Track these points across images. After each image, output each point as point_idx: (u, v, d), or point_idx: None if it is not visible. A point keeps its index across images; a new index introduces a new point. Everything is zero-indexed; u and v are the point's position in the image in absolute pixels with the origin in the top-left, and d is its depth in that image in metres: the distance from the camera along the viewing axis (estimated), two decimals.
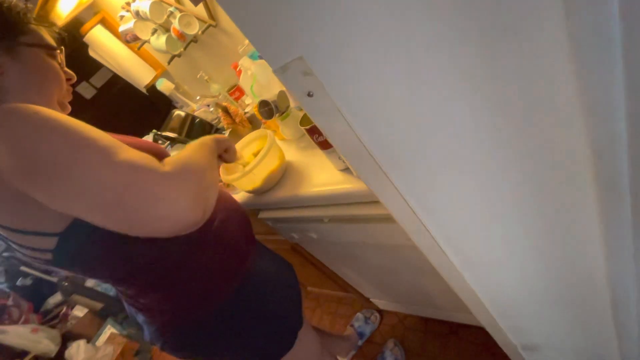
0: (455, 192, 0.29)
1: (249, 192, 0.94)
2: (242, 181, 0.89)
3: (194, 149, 0.60)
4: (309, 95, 0.22)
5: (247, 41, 1.18)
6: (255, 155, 0.92)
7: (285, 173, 0.92)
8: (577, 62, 0.16)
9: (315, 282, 1.51)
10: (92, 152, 0.45)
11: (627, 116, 0.17)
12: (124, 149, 0.48)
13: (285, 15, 0.19)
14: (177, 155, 0.56)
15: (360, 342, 1.46)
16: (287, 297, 0.81)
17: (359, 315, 1.52)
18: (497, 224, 0.30)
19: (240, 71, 1.25)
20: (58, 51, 0.62)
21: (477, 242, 0.32)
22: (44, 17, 0.57)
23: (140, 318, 0.72)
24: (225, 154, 0.74)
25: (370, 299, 1.43)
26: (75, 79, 0.67)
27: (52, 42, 0.61)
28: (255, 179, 0.88)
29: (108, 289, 2.92)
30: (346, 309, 1.61)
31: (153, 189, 0.46)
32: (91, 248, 0.54)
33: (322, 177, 0.82)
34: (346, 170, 0.78)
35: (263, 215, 0.98)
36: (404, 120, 0.23)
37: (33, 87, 0.56)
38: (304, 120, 0.76)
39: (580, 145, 0.20)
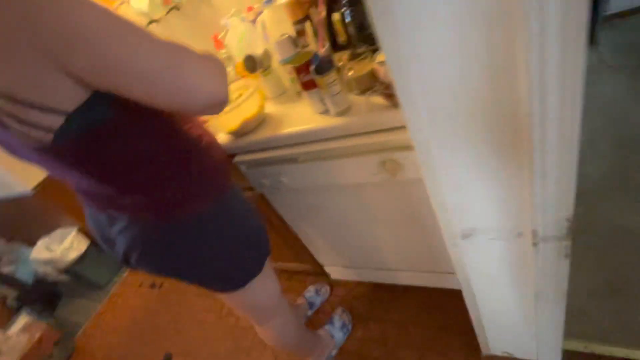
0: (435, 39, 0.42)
1: (230, 132, 1.00)
2: (223, 119, 0.96)
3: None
4: None
5: (233, 9, 1.27)
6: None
7: (263, 121, 1.01)
8: None
9: (272, 254, 1.56)
10: (140, 31, 0.50)
11: None
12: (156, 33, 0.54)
13: None
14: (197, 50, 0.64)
15: (310, 312, 1.53)
16: (257, 221, 0.87)
17: (310, 287, 1.59)
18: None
19: (220, 42, 1.33)
20: None
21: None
22: None
23: (117, 226, 0.71)
24: None
25: (324, 267, 1.51)
26: None
27: None
28: (238, 119, 0.95)
29: (25, 279, 2.60)
30: (299, 285, 1.67)
31: (199, 61, 0.54)
32: (95, 134, 0.56)
33: (302, 118, 0.92)
34: (324, 112, 0.89)
35: (239, 159, 1.04)
36: None
37: None
38: (294, 60, 0.87)
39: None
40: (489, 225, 0.64)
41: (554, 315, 0.77)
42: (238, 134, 1.00)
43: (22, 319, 2.15)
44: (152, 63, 0.50)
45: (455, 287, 1.25)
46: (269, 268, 0.92)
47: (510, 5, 0.36)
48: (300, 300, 1.55)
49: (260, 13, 1.14)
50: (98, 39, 0.48)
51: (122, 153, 0.61)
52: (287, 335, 1.09)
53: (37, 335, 1.99)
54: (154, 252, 0.72)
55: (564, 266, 0.64)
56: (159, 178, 0.67)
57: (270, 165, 1.01)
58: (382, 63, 0.79)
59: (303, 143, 0.92)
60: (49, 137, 0.53)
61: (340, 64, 0.89)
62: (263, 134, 0.96)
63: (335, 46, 1.00)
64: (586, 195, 1.33)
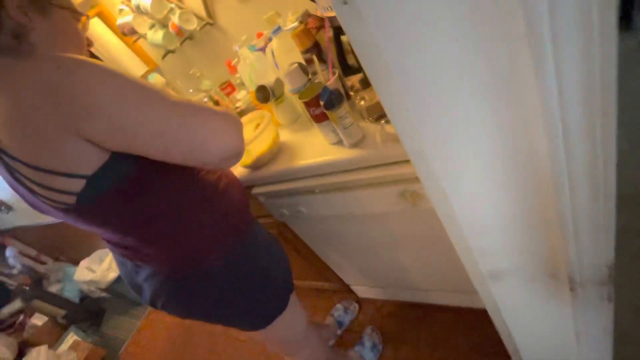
0: (456, 128, 0.39)
1: (245, 167, 1.00)
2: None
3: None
4: (345, 2, 0.31)
5: (244, 37, 1.28)
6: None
7: (279, 151, 1.00)
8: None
9: (297, 274, 1.55)
10: (154, 92, 0.53)
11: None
12: (173, 93, 0.56)
13: None
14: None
15: (339, 332, 1.51)
16: (280, 260, 0.87)
17: (338, 305, 1.58)
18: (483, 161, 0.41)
19: (234, 68, 1.34)
20: (84, 17, 0.69)
21: (458, 152, 0.43)
22: None
23: (142, 275, 0.74)
24: None
25: (351, 286, 1.49)
26: (93, 45, 0.73)
27: (77, 8, 0.68)
28: (252, 153, 0.95)
29: (72, 297, 2.77)
30: (326, 302, 1.66)
31: (214, 118, 0.55)
32: (115, 193, 0.58)
33: (315, 150, 0.91)
34: (338, 143, 0.87)
35: (256, 190, 1.05)
36: (427, 40, 0.32)
37: (58, 46, 0.62)
38: (303, 95, 0.85)
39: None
40: (518, 267, 0.59)
41: (599, 353, 0.71)
42: (254, 166, 1.00)
43: (70, 337, 2.30)
44: (167, 124, 0.52)
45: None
46: (294, 302, 0.92)
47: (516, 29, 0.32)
48: (328, 320, 1.54)
49: (270, 39, 1.14)
50: (114, 106, 0.50)
51: (143, 208, 0.63)
52: None
53: (85, 353, 2.11)
54: (178, 300, 0.74)
55: (607, 309, 0.58)
56: (179, 229, 0.68)
57: (288, 196, 1.00)
58: None
59: (319, 175, 0.91)
60: (72, 200, 0.56)
61: (352, 93, 0.87)
62: (278, 167, 0.95)
63: (346, 69, 0.98)
64: (630, 200, 1.23)
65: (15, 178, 0.58)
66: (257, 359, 1.66)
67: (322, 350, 1.10)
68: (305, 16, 1.10)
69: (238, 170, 1.05)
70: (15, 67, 0.52)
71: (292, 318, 0.91)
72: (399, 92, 0.37)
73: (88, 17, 0.70)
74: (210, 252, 0.72)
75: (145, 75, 1.67)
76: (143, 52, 1.65)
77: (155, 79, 1.59)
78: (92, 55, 0.72)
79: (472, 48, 0.33)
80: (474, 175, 0.47)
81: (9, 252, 3.04)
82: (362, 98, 0.83)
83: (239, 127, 0.61)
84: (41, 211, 0.66)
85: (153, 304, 0.76)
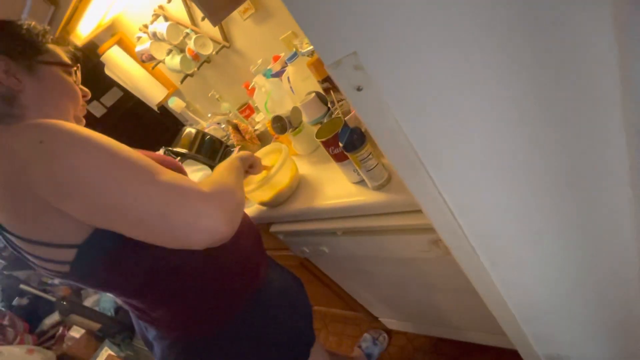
0: (489, 191, 0.30)
1: (262, 204, 0.94)
2: (256, 193, 0.90)
3: (224, 171, 0.64)
4: (359, 89, 0.24)
5: (259, 60, 1.22)
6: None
7: (298, 186, 0.93)
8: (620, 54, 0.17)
9: (322, 301, 1.49)
10: (137, 171, 0.48)
11: None
12: (163, 169, 0.51)
13: (341, 14, 0.21)
14: (211, 177, 0.60)
15: None
16: (299, 312, 0.80)
17: (367, 335, 1.49)
18: (529, 222, 0.31)
19: (252, 89, 1.29)
20: (74, 68, 0.65)
21: (510, 241, 0.33)
22: (63, 37, 0.62)
23: (151, 334, 0.71)
24: (250, 169, 0.79)
25: (379, 318, 1.40)
26: (89, 95, 0.69)
27: (68, 60, 0.64)
28: (270, 191, 0.89)
29: (106, 309, 2.86)
30: (353, 330, 1.58)
31: (196, 205, 0.49)
32: (109, 260, 0.55)
33: (336, 190, 0.83)
34: (360, 182, 0.79)
35: (275, 228, 0.98)
36: (448, 118, 0.24)
37: (50, 103, 0.58)
38: (320, 133, 0.78)
39: (612, 139, 0.21)
40: (583, 356, 0.49)
41: None
42: (272, 204, 0.94)
43: (105, 352, 2.36)
44: (147, 213, 0.47)
45: None
46: (315, 354, 0.84)
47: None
48: (356, 352, 1.45)
49: (286, 63, 1.07)
50: (90, 185, 0.46)
51: (140, 273, 0.59)
52: None
53: None
54: None
55: None
56: (182, 292, 0.64)
57: (309, 236, 0.93)
58: None
59: (340, 218, 0.83)
60: (66, 269, 0.54)
61: None
62: (297, 205, 0.88)
63: None
64: None
65: (16, 250, 0.56)
66: None
67: None
68: None
69: (254, 207, 0.99)
70: (3, 135, 0.49)
71: None
72: (430, 184, 0.29)
73: (78, 68, 0.66)
74: (217, 313, 0.67)
75: (165, 99, 1.66)
76: (163, 76, 1.64)
77: (175, 103, 1.57)
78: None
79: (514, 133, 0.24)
80: (532, 263, 0.37)
81: None
82: None
83: (229, 207, 0.53)
84: (45, 276, 0.64)
85: None
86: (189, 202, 0.49)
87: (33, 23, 0.61)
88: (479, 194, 0.30)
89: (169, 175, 0.50)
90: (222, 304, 0.66)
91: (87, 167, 0.46)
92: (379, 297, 1.18)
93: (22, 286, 2.64)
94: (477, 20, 0.19)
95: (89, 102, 0.82)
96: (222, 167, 0.68)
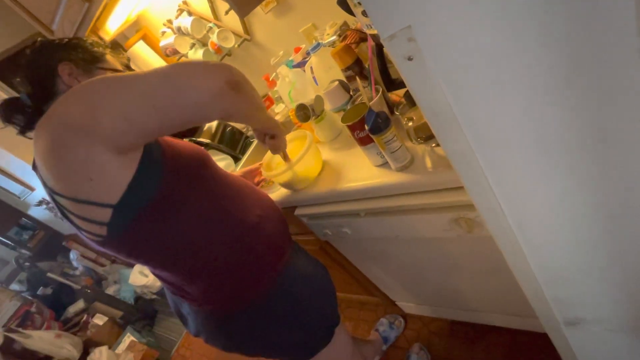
0: (518, 150, 0.33)
1: (287, 188, 0.99)
2: (283, 177, 0.95)
3: None
4: (409, 59, 0.28)
5: (281, 52, 1.26)
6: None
7: (322, 171, 0.98)
8: None
9: (340, 286, 1.53)
10: (130, 75, 0.56)
11: None
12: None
13: None
14: None
15: (384, 347, 1.47)
16: (324, 294, 0.85)
17: (383, 320, 1.53)
18: (556, 181, 0.34)
19: (272, 82, 1.33)
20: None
21: (537, 202, 0.37)
22: (116, 46, 0.74)
23: (185, 309, 0.76)
24: (270, 140, 0.79)
25: (397, 302, 1.44)
26: None
27: (121, 67, 0.75)
28: (296, 176, 0.93)
29: (127, 297, 2.97)
30: (369, 315, 1.62)
31: (187, 66, 0.57)
32: (141, 225, 0.60)
33: (359, 173, 0.87)
34: (383, 165, 0.83)
35: (300, 211, 1.03)
36: (488, 88, 0.28)
37: None
38: (346, 118, 0.82)
39: None
40: (603, 316, 0.52)
41: None
42: (297, 188, 0.98)
43: (127, 338, 2.46)
44: (149, 84, 0.54)
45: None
46: (340, 333, 0.89)
47: None
48: (373, 335, 1.50)
49: (309, 54, 1.11)
50: (110, 97, 0.53)
51: (170, 242, 0.64)
52: None
53: (140, 355, 2.25)
54: (218, 338, 0.76)
55: None
56: (212, 267, 0.68)
57: (332, 218, 0.97)
58: None
59: (364, 199, 0.87)
60: (104, 231, 0.59)
61: (397, 112, 0.82)
62: (321, 189, 0.93)
63: (389, 84, 0.93)
64: None
65: (63, 213, 0.61)
66: None
67: None
68: (344, 29, 1.06)
69: (279, 191, 1.04)
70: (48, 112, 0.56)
71: (337, 350, 0.89)
72: (469, 149, 0.33)
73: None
74: (248, 291, 0.71)
75: None
76: None
77: None
78: None
79: (552, 98, 0.28)
80: (558, 223, 0.41)
81: (72, 255, 3.33)
82: (410, 118, 0.78)
83: (223, 65, 0.60)
84: (87, 244, 0.70)
85: (197, 336, 0.78)
86: (183, 66, 0.56)
87: (96, 39, 0.74)
88: (508, 152, 0.33)
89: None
90: (249, 283, 0.71)
91: (97, 86, 0.54)
92: (397, 279, 1.22)
93: (48, 274, 2.75)
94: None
95: None
96: None
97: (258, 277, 0.71)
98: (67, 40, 0.70)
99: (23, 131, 0.65)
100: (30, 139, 0.62)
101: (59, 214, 0.65)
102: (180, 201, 0.62)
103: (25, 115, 0.64)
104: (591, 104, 0.28)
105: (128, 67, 0.77)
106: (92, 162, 0.53)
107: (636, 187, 0.31)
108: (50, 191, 0.60)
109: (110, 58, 0.73)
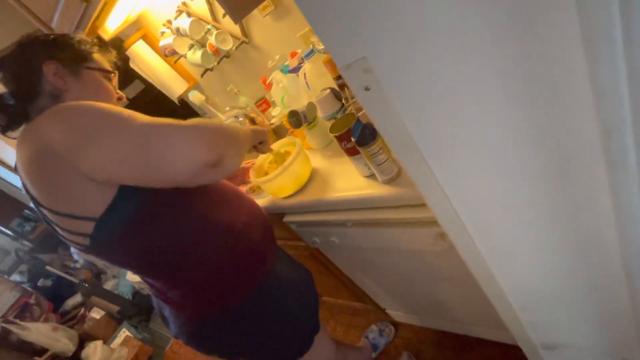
0: (484, 182, 0.33)
1: (276, 195, 0.99)
2: (270, 184, 0.94)
3: (223, 124, 0.68)
4: (367, 89, 0.27)
5: (277, 56, 1.26)
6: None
7: (310, 179, 0.97)
8: (588, 59, 0.20)
9: (331, 292, 1.53)
10: (118, 120, 0.55)
11: (630, 102, 0.21)
12: (143, 116, 0.56)
13: (352, 22, 0.24)
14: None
15: (374, 355, 1.46)
16: (305, 301, 0.84)
17: (374, 327, 1.52)
18: (524, 212, 0.34)
19: (269, 84, 1.33)
20: (112, 74, 0.72)
21: (505, 231, 0.36)
22: (103, 45, 0.72)
23: (166, 311, 0.77)
24: (259, 145, 0.83)
25: (386, 310, 1.43)
26: (124, 98, 0.76)
27: (109, 67, 0.73)
28: (283, 183, 0.93)
29: (124, 292, 2.99)
30: (360, 321, 1.62)
31: (171, 134, 0.54)
32: (124, 236, 0.60)
33: (347, 182, 0.86)
34: (371, 176, 0.82)
35: (288, 218, 1.03)
36: (446, 116, 0.27)
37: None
38: (334, 128, 0.81)
39: (593, 132, 0.24)
40: (579, 342, 0.51)
41: None
42: (286, 195, 0.98)
43: (123, 333, 2.48)
44: (128, 148, 0.53)
45: None
46: (320, 340, 0.89)
47: None
48: (363, 342, 1.49)
49: (303, 61, 1.11)
50: (91, 137, 0.53)
51: (153, 250, 0.64)
52: None
53: (135, 351, 2.27)
54: (198, 341, 0.76)
55: None
56: (195, 275, 0.69)
57: (320, 226, 0.97)
58: None
59: (350, 209, 0.86)
60: (87, 241, 0.60)
61: None
62: (309, 197, 0.92)
63: None
64: None
65: (47, 223, 0.62)
66: None
67: None
68: None
69: (267, 198, 1.03)
70: (36, 122, 0.57)
71: (315, 357, 0.88)
72: (432, 175, 0.32)
73: (116, 75, 0.73)
74: (228, 296, 0.71)
75: (185, 93, 1.72)
76: (184, 70, 1.70)
77: (195, 96, 1.63)
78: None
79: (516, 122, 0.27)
80: (527, 251, 0.40)
81: (72, 248, 3.36)
82: None
83: (211, 138, 0.57)
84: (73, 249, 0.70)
85: (177, 338, 0.79)
86: (162, 132, 0.54)
87: (84, 37, 0.71)
88: (475, 184, 0.33)
89: (150, 118, 0.56)
90: (230, 289, 0.71)
91: (84, 124, 0.54)
92: (386, 288, 1.22)
93: (47, 267, 2.78)
94: (473, 23, 0.22)
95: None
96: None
97: (239, 283, 0.71)
98: (53, 36, 0.67)
99: (4, 130, 0.63)
100: (12, 138, 0.63)
101: (44, 222, 0.66)
102: (163, 212, 0.62)
103: (6, 114, 0.63)
104: (547, 120, 0.27)
105: (116, 66, 0.76)
106: (73, 185, 0.55)
107: (591, 222, 0.31)
108: (33, 200, 0.60)
109: (98, 57, 0.71)
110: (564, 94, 0.23)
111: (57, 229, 0.61)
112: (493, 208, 0.35)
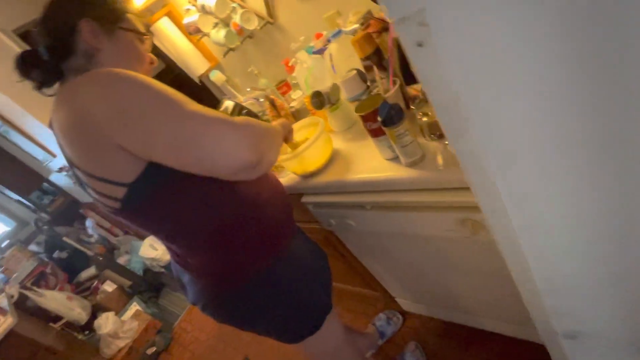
0: (529, 149, 0.32)
1: (296, 174, 0.99)
2: (291, 162, 0.94)
3: (268, 124, 0.70)
4: (420, 45, 0.27)
5: (302, 37, 1.25)
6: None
7: (332, 160, 0.97)
8: None
9: (341, 277, 1.54)
10: (168, 102, 0.55)
11: None
12: (194, 104, 0.57)
13: None
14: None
15: (380, 342, 1.47)
16: (320, 279, 0.85)
17: (381, 315, 1.53)
18: (568, 184, 0.33)
19: (291, 67, 1.32)
20: (146, 37, 0.72)
21: (544, 203, 0.35)
22: (142, 11, 0.71)
23: (186, 277, 0.79)
24: (288, 135, 0.86)
25: (396, 299, 1.44)
26: (156, 62, 0.77)
27: (143, 29, 0.72)
28: (304, 162, 0.93)
29: (136, 269, 3.06)
30: (368, 308, 1.63)
31: (220, 128, 0.55)
32: (153, 203, 0.62)
33: (369, 165, 0.86)
34: (393, 160, 0.82)
35: (306, 199, 1.03)
36: (498, 77, 0.27)
37: (121, 63, 0.66)
38: (360, 108, 0.80)
39: None
40: (603, 332, 0.50)
41: None
42: (305, 175, 0.98)
43: (134, 307, 2.55)
44: (176, 137, 0.54)
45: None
46: (331, 322, 0.89)
47: None
48: (370, 328, 1.50)
49: (329, 41, 1.09)
50: (133, 113, 0.54)
51: (181, 218, 0.66)
52: None
53: (145, 323, 2.33)
54: (214, 309, 0.77)
55: None
56: (217, 244, 0.70)
57: (338, 208, 0.97)
58: None
59: (371, 192, 0.86)
60: (118, 205, 0.61)
61: (412, 107, 0.80)
62: (330, 178, 0.92)
63: (408, 77, 0.91)
64: None
65: (80, 183, 0.64)
66: (295, 356, 1.69)
67: None
68: (367, 18, 1.04)
69: (288, 177, 1.04)
70: (75, 83, 0.57)
71: (326, 338, 0.90)
72: (477, 146, 0.32)
73: (149, 38, 0.73)
74: (247, 268, 0.73)
75: (207, 72, 1.73)
76: (206, 50, 1.70)
77: (216, 76, 1.63)
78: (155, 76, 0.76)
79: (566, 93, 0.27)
80: (565, 231, 0.39)
81: (88, 223, 3.44)
82: (425, 114, 0.76)
83: (255, 139, 0.58)
84: (103, 212, 0.72)
85: (194, 304, 0.80)
86: (217, 129, 0.55)
87: None
88: (519, 150, 0.32)
89: (199, 106, 0.56)
90: (249, 260, 0.73)
91: (133, 104, 0.53)
92: (397, 276, 1.22)
93: (64, 238, 2.86)
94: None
95: None
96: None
97: (258, 255, 0.72)
98: None
99: (39, 87, 0.64)
100: (47, 95, 0.64)
101: (76, 182, 0.67)
102: (192, 183, 0.63)
103: (42, 70, 0.63)
104: (611, 103, 0.26)
105: (148, 29, 0.75)
106: (108, 152, 0.56)
107: None
108: (68, 161, 0.62)
109: (132, 17, 0.70)
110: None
111: (90, 190, 0.63)
112: (534, 178, 0.35)
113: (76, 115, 0.55)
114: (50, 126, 0.64)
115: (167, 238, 0.70)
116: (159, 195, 0.62)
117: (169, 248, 0.77)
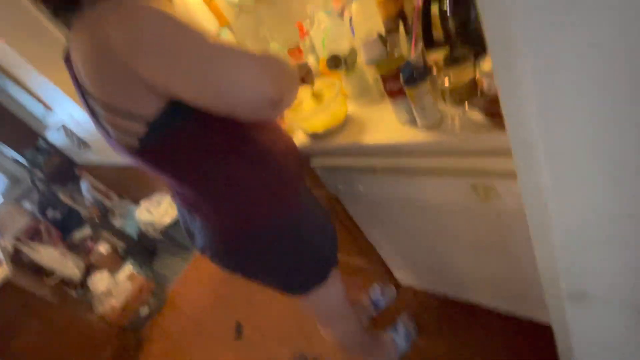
0: (572, 96, 0.32)
1: (308, 134, 0.98)
2: (305, 122, 0.93)
3: (281, 57, 0.66)
4: None
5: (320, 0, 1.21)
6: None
7: (345, 122, 0.96)
8: None
9: (340, 247, 1.55)
10: (188, 33, 0.52)
11: None
12: (214, 35, 0.55)
13: None
14: None
15: (374, 313, 1.51)
16: (327, 233, 0.87)
17: (376, 285, 1.56)
18: (608, 135, 0.33)
19: (305, 32, 1.29)
20: None
21: (579, 154, 0.36)
22: None
23: (196, 224, 0.78)
24: (306, 77, 0.85)
25: (392, 272, 1.46)
26: None
27: None
28: (318, 122, 0.92)
29: (131, 233, 3.07)
30: (363, 280, 1.65)
31: (244, 62, 0.53)
32: (172, 144, 0.62)
33: (383, 128, 0.85)
34: (409, 123, 0.81)
35: (315, 162, 1.02)
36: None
37: None
38: (381, 67, 0.79)
39: None
40: (607, 296, 0.52)
41: None
42: (317, 136, 0.97)
43: (128, 268, 2.56)
44: (196, 66, 0.52)
45: (544, 321, 1.11)
46: (334, 276, 0.92)
47: None
48: (364, 299, 1.54)
49: (348, 4, 1.06)
50: (158, 43, 0.52)
51: (197, 159, 0.66)
52: (348, 340, 1.09)
53: (138, 284, 2.35)
54: (223, 254, 0.78)
55: None
56: (231, 189, 0.70)
57: (347, 172, 0.97)
58: (487, 74, 0.67)
59: (383, 155, 0.86)
60: (136, 143, 0.61)
61: (435, 70, 0.79)
62: (342, 140, 0.92)
63: (430, 43, 0.89)
64: None
65: (96, 117, 0.62)
66: (289, 320, 1.73)
67: (355, 329, 1.10)
68: None
69: (300, 137, 1.03)
70: (93, 15, 0.55)
71: (330, 292, 0.92)
72: (526, 79, 0.31)
73: None
74: (259, 215, 0.73)
75: (217, 31, 1.68)
76: (218, 10, 1.65)
77: (225, 35, 1.59)
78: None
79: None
80: (591, 187, 0.39)
81: (83, 185, 3.42)
82: (447, 76, 0.75)
83: (277, 74, 0.56)
84: (117, 152, 0.70)
85: (203, 252, 0.81)
86: (238, 61, 0.52)
87: None
88: (561, 96, 0.32)
89: (219, 38, 0.54)
90: (261, 209, 0.73)
91: (153, 28, 0.51)
92: (398, 247, 1.23)
93: (60, 195, 2.84)
94: None
95: None
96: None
97: (270, 204, 0.73)
98: None
99: (55, 10, 0.61)
100: (61, 23, 0.61)
101: (95, 123, 0.65)
102: (212, 126, 0.63)
103: None
104: None
105: None
106: (130, 82, 0.54)
107: None
108: (87, 95, 0.60)
109: None
110: None
111: (108, 126, 0.61)
112: (574, 130, 0.34)
113: (99, 42, 0.53)
114: (66, 59, 0.62)
115: (181, 182, 0.70)
116: (178, 136, 0.61)
117: (179, 194, 0.76)
